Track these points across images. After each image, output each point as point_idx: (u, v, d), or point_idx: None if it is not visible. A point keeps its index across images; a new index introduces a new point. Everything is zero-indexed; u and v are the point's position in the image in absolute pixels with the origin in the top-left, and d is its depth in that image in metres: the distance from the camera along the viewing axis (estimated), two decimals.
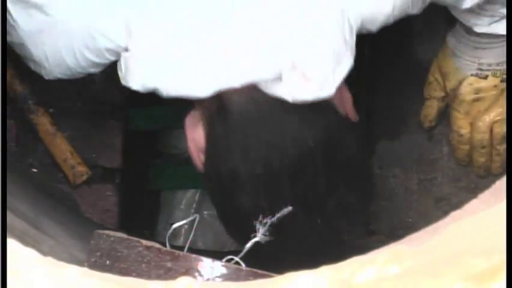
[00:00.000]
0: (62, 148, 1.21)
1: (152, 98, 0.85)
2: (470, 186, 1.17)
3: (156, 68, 0.80)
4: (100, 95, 1.25)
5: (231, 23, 0.79)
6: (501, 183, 0.47)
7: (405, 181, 1.27)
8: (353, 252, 0.42)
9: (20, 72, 1.19)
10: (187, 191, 1.38)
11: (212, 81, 0.78)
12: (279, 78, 0.77)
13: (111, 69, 0.89)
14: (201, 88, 0.79)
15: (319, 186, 0.81)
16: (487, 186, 0.51)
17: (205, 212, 1.36)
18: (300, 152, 0.80)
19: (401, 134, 1.26)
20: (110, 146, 1.24)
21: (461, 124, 1.10)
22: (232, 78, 0.78)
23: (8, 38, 0.88)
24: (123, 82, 0.83)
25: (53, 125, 1.21)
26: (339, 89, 0.80)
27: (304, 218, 0.81)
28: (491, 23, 0.96)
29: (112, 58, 0.85)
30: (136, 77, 0.81)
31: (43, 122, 1.20)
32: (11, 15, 0.84)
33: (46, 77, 0.92)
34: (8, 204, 0.61)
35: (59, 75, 0.91)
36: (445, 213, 0.49)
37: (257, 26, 0.78)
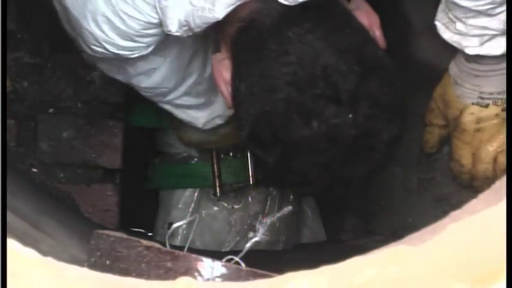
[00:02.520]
0: None
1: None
2: None
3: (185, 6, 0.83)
4: (100, 95, 1.25)
5: None
6: (501, 183, 0.47)
7: (405, 181, 1.26)
8: (353, 252, 0.42)
9: (21, 71, 1.19)
10: (185, 190, 1.38)
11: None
12: None
13: None
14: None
15: (350, 82, 0.81)
16: (487, 186, 0.51)
17: (204, 212, 1.36)
18: (332, 54, 0.81)
19: None
20: (110, 146, 1.25)
21: (463, 154, 1.08)
22: None
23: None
24: (165, 30, 0.86)
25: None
26: (365, 12, 0.85)
27: (336, 111, 0.81)
28: (482, 43, 0.94)
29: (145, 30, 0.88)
30: (174, 19, 0.84)
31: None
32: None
33: (93, 54, 0.94)
34: (8, 204, 0.61)
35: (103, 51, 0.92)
36: (445, 213, 0.49)
37: None
